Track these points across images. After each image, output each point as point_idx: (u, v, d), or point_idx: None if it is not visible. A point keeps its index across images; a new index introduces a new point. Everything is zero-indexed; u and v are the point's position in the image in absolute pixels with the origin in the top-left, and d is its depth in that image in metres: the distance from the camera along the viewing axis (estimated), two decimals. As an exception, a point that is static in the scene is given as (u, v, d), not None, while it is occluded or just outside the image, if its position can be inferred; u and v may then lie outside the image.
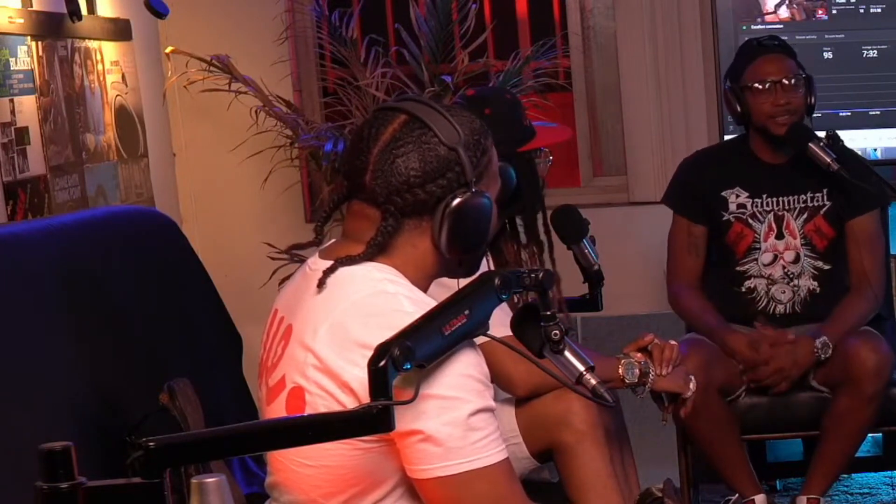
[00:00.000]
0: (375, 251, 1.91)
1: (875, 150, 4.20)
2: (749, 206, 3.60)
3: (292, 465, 1.94)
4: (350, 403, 1.81)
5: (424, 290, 1.95)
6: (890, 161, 4.18)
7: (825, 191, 3.58)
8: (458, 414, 1.80)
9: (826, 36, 4.20)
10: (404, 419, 1.77)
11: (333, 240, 2.02)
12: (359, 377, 1.79)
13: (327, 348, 1.85)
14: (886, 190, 3.55)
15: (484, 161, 1.95)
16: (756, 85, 3.51)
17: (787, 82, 3.51)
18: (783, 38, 4.00)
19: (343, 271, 1.90)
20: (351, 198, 1.97)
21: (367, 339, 1.79)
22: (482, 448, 1.82)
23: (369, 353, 1.78)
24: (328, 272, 1.91)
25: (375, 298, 1.86)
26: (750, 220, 3.60)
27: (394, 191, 1.89)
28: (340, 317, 1.86)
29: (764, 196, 3.60)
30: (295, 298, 1.97)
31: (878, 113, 4.20)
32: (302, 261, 2.07)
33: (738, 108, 3.56)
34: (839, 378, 3.44)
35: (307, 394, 1.86)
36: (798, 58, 3.64)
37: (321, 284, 1.90)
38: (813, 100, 3.55)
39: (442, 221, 1.89)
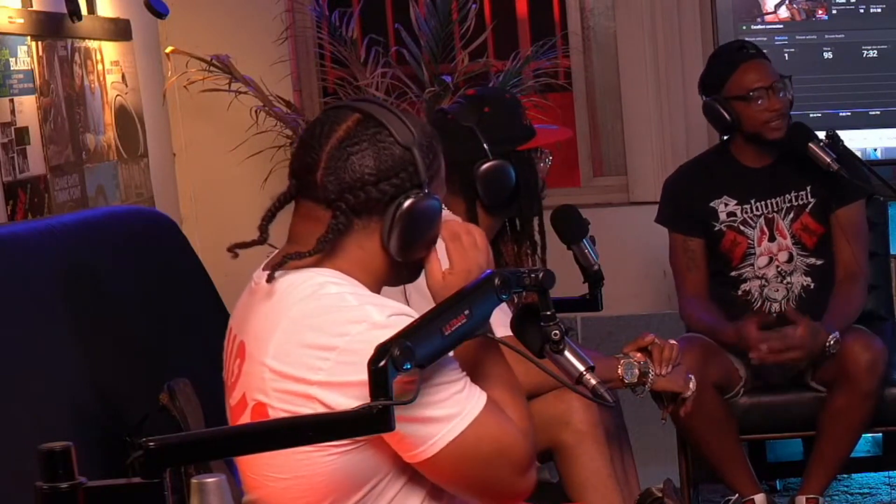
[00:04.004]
0: (324, 247, 1.87)
1: (875, 150, 4.20)
2: (739, 213, 3.61)
3: (267, 480, 1.92)
4: (313, 410, 1.79)
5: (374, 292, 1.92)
6: (890, 161, 4.18)
7: (808, 188, 3.59)
8: (428, 384, 1.77)
9: (826, 36, 4.20)
10: None
11: (276, 250, 1.98)
12: (318, 380, 1.78)
13: (282, 360, 1.82)
14: (886, 189, 3.57)
15: (435, 165, 1.93)
16: (747, 94, 3.52)
17: (774, 86, 3.52)
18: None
19: (284, 281, 1.87)
20: (299, 196, 1.94)
21: (319, 340, 1.79)
22: (468, 397, 1.81)
23: (325, 354, 1.78)
24: (276, 267, 1.87)
25: (320, 301, 1.83)
26: (742, 227, 3.61)
27: (346, 188, 1.86)
28: (289, 325, 1.83)
29: (752, 201, 3.61)
30: (243, 315, 1.95)
31: (878, 113, 4.21)
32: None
33: (728, 118, 3.56)
34: (834, 376, 3.45)
35: (269, 409, 1.83)
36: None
37: (270, 280, 1.86)
38: (792, 97, 3.57)
39: (393, 221, 1.86)
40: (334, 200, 1.88)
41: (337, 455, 1.83)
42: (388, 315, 1.79)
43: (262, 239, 1.96)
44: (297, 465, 1.85)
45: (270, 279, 1.88)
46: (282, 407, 1.82)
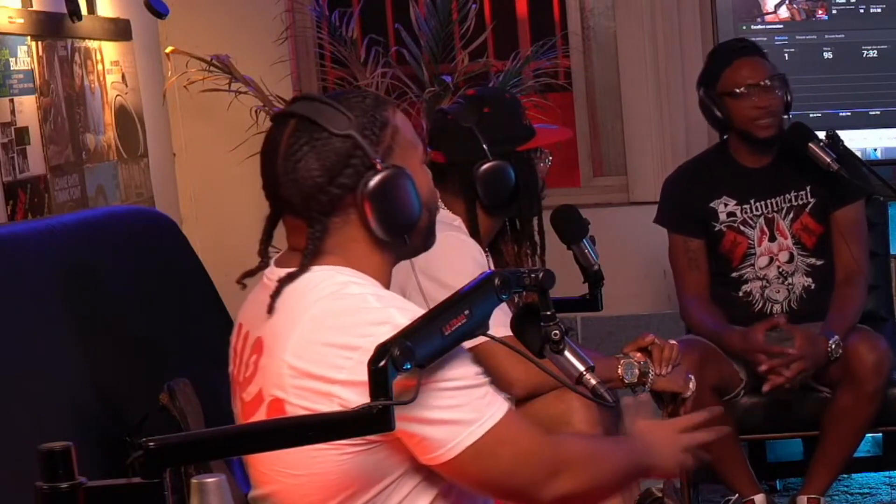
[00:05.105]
0: (310, 260, 1.87)
1: (875, 150, 4.20)
2: (739, 214, 3.61)
3: (279, 475, 1.92)
4: (331, 408, 1.80)
5: (386, 279, 1.93)
6: (890, 161, 4.18)
7: (808, 188, 3.59)
8: (453, 384, 1.78)
9: (826, 36, 4.20)
10: (404, 415, 1.76)
11: (286, 248, 1.99)
12: (340, 379, 1.78)
13: (301, 357, 1.82)
14: (886, 189, 3.57)
15: (387, 134, 1.90)
16: (735, 90, 3.51)
17: (765, 84, 3.51)
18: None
19: (303, 279, 1.88)
20: (280, 214, 1.95)
21: (343, 340, 1.79)
22: (490, 403, 1.81)
23: (348, 353, 1.78)
24: (275, 295, 1.88)
25: (343, 300, 1.84)
26: (742, 227, 3.61)
27: (307, 196, 1.86)
28: (309, 323, 1.83)
29: (752, 201, 3.60)
30: (257, 311, 1.94)
31: (878, 113, 4.21)
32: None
33: (719, 115, 3.56)
34: (839, 377, 3.45)
35: (287, 405, 1.83)
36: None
37: (271, 310, 1.88)
38: (790, 97, 3.56)
39: (364, 209, 1.86)
40: (303, 211, 1.88)
41: (352, 454, 1.83)
42: (410, 318, 1.80)
43: (265, 263, 1.98)
44: (310, 462, 1.85)
45: (271, 310, 1.88)
46: (300, 403, 1.82)
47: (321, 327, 1.82)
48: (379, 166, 1.86)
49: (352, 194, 1.86)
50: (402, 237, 1.92)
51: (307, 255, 1.87)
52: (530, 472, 1.85)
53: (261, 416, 1.89)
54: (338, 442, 1.80)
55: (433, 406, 1.77)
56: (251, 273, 2.00)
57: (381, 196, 1.86)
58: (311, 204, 1.87)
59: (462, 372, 1.81)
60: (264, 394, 1.89)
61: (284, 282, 1.88)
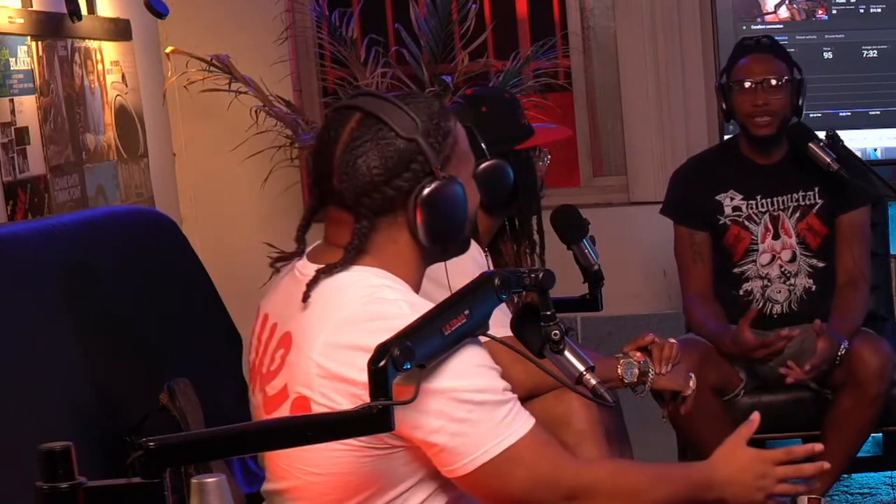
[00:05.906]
0: (354, 255, 1.88)
1: (875, 150, 4.20)
2: (744, 209, 3.61)
3: (299, 473, 1.92)
4: None
5: (418, 283, 1.94)
6: (890, 161, 4.18)
7: (816, 189, 3.59)
8: (477, 397, 1.80)
9: (826, 36, 4.21)
10: (425, 423, 1.77)
11: (318, 241, 1.99)
12: (367, 382, 1.79)
13: (331, 358, 1.83)
14: (887, 190, 3.56)
15: (448, 143, 1.91)
16: (740, 83, 3.52)
17: (770, 83, 3.50)
18: (783, 38, 4.00)
19: (339, 277, 1.88)
20: (325, 203, 1.95)
21: (372, 343, 1.78)
22: (512, 421, 1.82)
23: None
24: (311, 285, 1.88)
25: (376, 305, 1.84)
26: (746, 223, 3.61)
27: (361, 192, 1.87)
28: (340, 325, 1.84)
29: (758, 197, 3.60)
30: (287, 304, 1.94)
31: (878, 113, 4.21)
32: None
33: (724, 106, 3.59)
34: (841, 380, 3.44)
35: (313, 403, 1.84)
36: (798, 58, 3.64)
37: (306, 299, 1.88)
38: (801, 102, 3.55)
39: (415, 214, 1.87)
40: (353, 205, 1.88)
41: (373, 457, 1.85)
42: None
43: (301, 250, 1.98)
44: (332, 462, 1.86)
45: (307, 297, 1.88)
46: (325, 403, 1.83)
47: (352, 330, 1.83)
48: (438, 174, 1.87)
49: (405, 198, 1.87)
50: (443, 245, 1.93)
51: (351, 251, 1.88)
52: (544, 495, 1.86)
53: (284, 411, 1.89)
54: (359, 444, 1.82)
55: (455, 418, 1.78)
56: (285, 258, 2.01)
57: (434, 204, 1.87)
58: (364, 200, 1.87)
59: (488, 386, 1.82)
60: (289, 390, 1.89)
61: (323, 272, 1.88)
